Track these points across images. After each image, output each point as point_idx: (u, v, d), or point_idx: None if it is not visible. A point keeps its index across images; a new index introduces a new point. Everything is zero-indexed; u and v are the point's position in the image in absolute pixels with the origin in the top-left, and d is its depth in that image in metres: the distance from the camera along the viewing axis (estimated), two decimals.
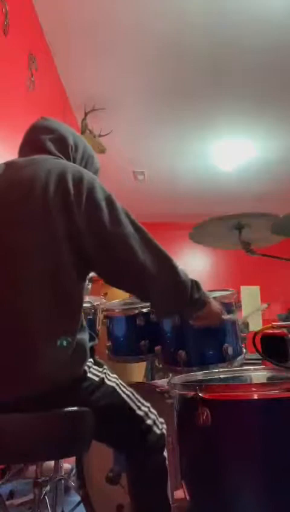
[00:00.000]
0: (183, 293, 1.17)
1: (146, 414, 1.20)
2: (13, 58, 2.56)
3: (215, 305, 1.29)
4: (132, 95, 3.95)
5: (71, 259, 1.10)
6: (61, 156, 1.28)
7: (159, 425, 1.21)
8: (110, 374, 1.21)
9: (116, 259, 1.13)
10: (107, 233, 1.11)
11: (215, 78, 3.73)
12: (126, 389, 1.21)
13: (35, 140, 1.31)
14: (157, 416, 1.23)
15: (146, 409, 1.21)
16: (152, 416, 1.21)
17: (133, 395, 1.22)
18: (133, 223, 1.15)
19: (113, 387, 1.18)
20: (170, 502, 1.15)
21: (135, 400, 1.21)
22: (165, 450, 1.20)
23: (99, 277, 1.22)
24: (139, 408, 1.20)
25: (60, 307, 1.09)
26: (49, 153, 1.27)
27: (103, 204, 1.13)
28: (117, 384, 1.20)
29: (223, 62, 3.53)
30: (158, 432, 1.20)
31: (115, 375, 1.22)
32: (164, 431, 1.22)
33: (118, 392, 1.18)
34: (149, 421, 1.19)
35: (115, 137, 4.12)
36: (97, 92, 3.82)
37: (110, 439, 1.22)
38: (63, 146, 1.31)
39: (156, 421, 1.21)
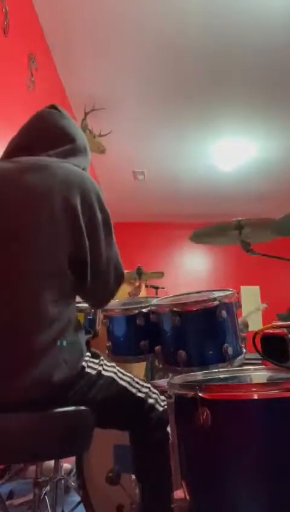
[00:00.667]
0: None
1: (147, 394, 1.23)
2: (13, 58, 2.56)
3: None
4: (132, 95, 3.95)
5: (69, 261, 1.12)
6: (77, 164, 1.27)
7: (161, 403, 1.25)
8: (107, 364, 1.23)
9: (100, 278, 1.21)
10: (101, 253, 1.18)
11: (215, 78, 3.73)
12: (125, 376, 1.23)
13: (53, 147, 1.26)
14: (159, 394, 1.27)
15: (146, 390, 1.24)
16: (153, 395, 1.25)
17: (133, 379, 1.24)
18: (114, 244, 1.24)
19: (111, 378, 1.20)
20: (172, 477, 1.17)
21: (134, 383, 1.23)
22: (169, 427, 1.22)
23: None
24: (140, 390, 1.23)
25: (60, 308, 1.10)
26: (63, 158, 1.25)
27: (101, 225, 1.18)
28: (115, 373, 1.22)
29: (223, 62, 3.53)
30: (160, 409, 1.23)
31: (112, 364, 1.24)
32: (166, 407, 1.24)
33: (116, 381, 1.20)
34: (151, 400, 1.23)
35: (115, 137, 4.12)
36: (97, 92, 3.82)
37: (113, 424, 1.25)
38: (81, 156, 1.31)
39: (158, 399, 1.25)
